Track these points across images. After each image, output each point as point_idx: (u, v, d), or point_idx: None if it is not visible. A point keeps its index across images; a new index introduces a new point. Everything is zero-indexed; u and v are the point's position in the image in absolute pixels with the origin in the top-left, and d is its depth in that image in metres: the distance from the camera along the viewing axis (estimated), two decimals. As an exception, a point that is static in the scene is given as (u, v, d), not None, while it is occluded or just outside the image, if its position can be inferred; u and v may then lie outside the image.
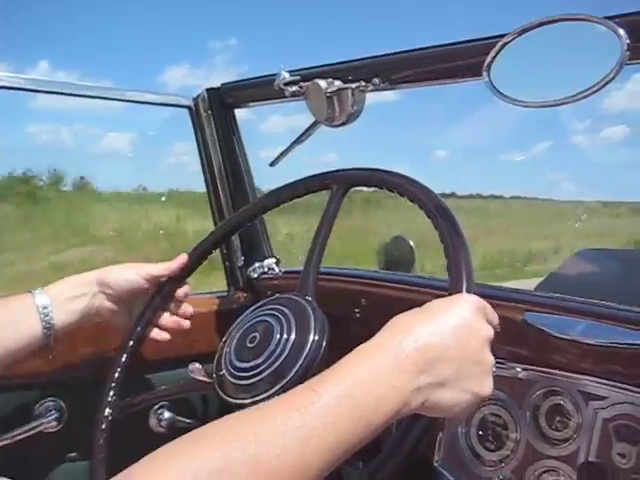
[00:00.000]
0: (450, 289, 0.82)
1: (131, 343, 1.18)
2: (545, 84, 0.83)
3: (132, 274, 1.15)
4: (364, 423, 0.62)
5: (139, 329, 1.18)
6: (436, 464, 1.17)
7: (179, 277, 1.21)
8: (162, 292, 1.20)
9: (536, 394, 1.07)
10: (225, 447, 0.55)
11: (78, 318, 1.10)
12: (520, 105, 0.82)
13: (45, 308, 1.05)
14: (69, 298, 1.09)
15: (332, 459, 0.60)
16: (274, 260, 1.64)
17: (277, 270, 1.62)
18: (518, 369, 1.09)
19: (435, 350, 0.67)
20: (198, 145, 1.69)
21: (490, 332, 0.73)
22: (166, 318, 1.20)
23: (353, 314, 1.30)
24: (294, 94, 1.29)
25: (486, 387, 0.71)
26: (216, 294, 1.61)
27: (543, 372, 1.07)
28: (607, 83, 0.73)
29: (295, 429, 0.58)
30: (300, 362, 0.90)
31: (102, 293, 1.13)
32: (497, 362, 1.08)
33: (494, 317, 0.76)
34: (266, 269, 1.62)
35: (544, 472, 1.04)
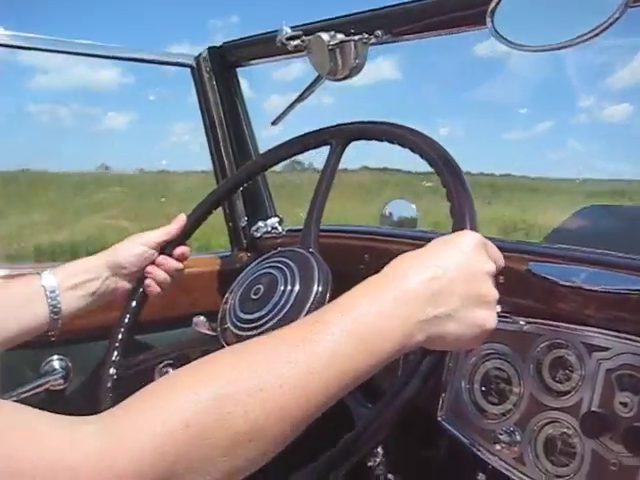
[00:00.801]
0: (454, 227, 0.82)
1: (134, 304, 1.18)
2: (549, 28, 0.82)
3: (139, 247, 1.15)
4: (369, 353, 0.61)
5: (141, 290, 1.19)
6: (440, 419, 1.18)
7: (181, 237, 1.21)
8: (164, 253, 1.19)
9: (540, 347, 1.07)
10: (229, 375, 0.56)
11: (87, 302, 1.10)
12: (524, 50, 0.81)
13: (53, 292, 1.04)
14: (78, 284, 1.08)
15: (337, 389, 0.60)
16: (277, 219, 1.64)
17: (280, 229, 1.62)
18: (522, 322, 1.09)
19: (440, 283, 0.67)
20: (200, 105, 1.68)
21: (492, 267, 0.73)
22: (165, 270, 1.19)
23: (357, 270, 1.29)
24: (296, 48, 1.27)
25: (490, 320, 0.70)
26: (219, 254, 1.61)
27: (546, 325, 1.06)
28: (612, 24, 0.71)
29: (299, 359, 0.57)
30: (304, 312, 0.90)
31: (115, 275, 1.13)
32: (501, 315, 1.10)
33: (497, 254, 0.76)
34: (269, 228, 1.61)
35: (547, 423, 1.05)
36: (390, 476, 1.37)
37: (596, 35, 0.72)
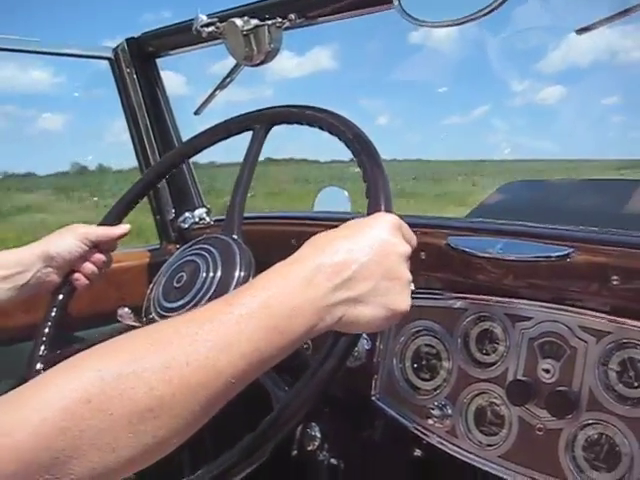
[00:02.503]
0: (369, 209, 0.82)
1: (60, 297, 1.15)
2: (452, 4, 0.83)
3: (70, 240, 1.12)
4: (279, 334, 0.61)
5: (68, 285, 1.16)
6: (374, 399, 1.19)
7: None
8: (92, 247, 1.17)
9: (466, 321, 1.09)
10: (134, 353, 0.55)
11: (16, 294, 1.07)
12: (428, 26, 0.82)
13: None
14: (8, 276, 1.05)
15: (247, 368, 0.59)
16: (205, 210, 1.62)
17: (208, 219, 1.60)
18: (448, 298, 1.11)
19: (352, 266, 0.67)
20: (120, 97, 1.65)
21: (407, 249, 0.73)
22: (93, 263, 1.16)
23: (285, 255, 1.28)
24: (211, 35, 1.26)
25: (404, 302, 0.71)
26: (148, 247, 1.59)
27: (471, 299, 1.09)
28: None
29: (207, 337, 0.57)
30: None
31: (47, 267, 1.10)
32: (427, 292, 1.12)
33: (411, 235, 0.76)
34: (197, 219, 1.60)
35: (476, 395, 1.07)
36: (333, 460, 1.38)
37: (497, 8, 0.74)
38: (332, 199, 2.02)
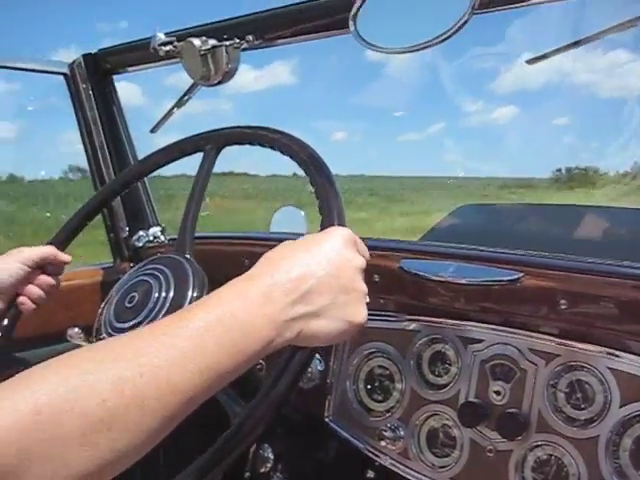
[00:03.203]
0: (322, 224, 0.84)
1: (5, 322, 1.13)
2: (407, 31, 0.85)
3: (14, 265, 1.09)
4: (236, 349, 0.61)
5: (13, 309, 1.13)
6: (327, 419, 1.19)
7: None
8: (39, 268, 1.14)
9: (419, 343, 1.10)
10: (87, 366, 0.53)
11: None
12: (383, 52, 0.83)
13: None
14: None
15: (204, 384, 0.58)
16: (159, 228, 1.61)
17: (163, 238, 1.59)
18: (401, 320, 1.12)
19: (308, 280, 0.67)
20: (76, 114, 1.63)
21: (362, 262, 0.74)
22: (39, 286, 1.14)
23: (237, 275, 1.28)
24: (168, 54, 1.26)
25: (361, 315, 0.71)
26: (101, 266, 1.56)
27: (424, 321, 1.10)
28: (461, 27, 0.74)
29: (162, 350, 0.56)
30: None
31: None
32: (380, 314, 1.13)
33: (365, 249, 0.77)
34: (151, 238, 1.59)
35: (429, 417, 1.08)
36: None
37: (452, 35, 0.75)
38: (288, 219, 2.02)
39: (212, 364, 0.59)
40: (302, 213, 2.04)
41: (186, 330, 0.59)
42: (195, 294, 0.92)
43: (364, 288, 0.73)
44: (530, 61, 0.89)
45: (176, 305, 0.91)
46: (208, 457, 0.77)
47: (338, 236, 0.74)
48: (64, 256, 1.14)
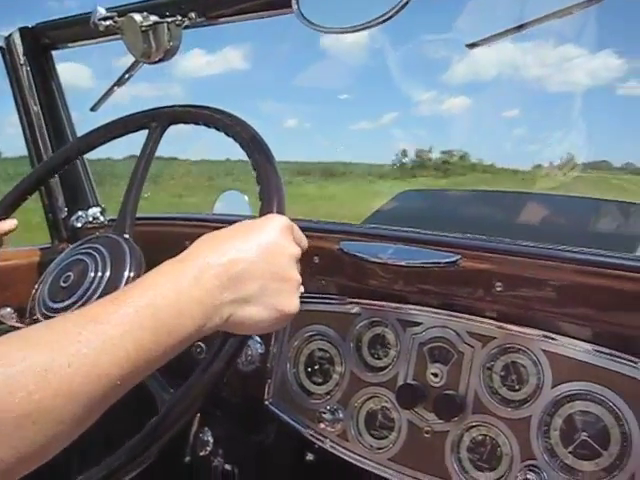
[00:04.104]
0: (261, 210, 0.83)
1: None
2: (349, 11, 0.84)
3: None
4: (165, 334, 0.60)
5: None
6: (267, 403, 1.18)
7: None
8: None
9: (359, 326, 1.10)
10: (13, 356, 0.51)
11: None
12: (325, 31, 0.82)
13: None
14: None
15: (132, 369, 0.57)
16: (99, 209, 1.57)
17: (103, 219, 1.56)
18: (342, 303, 1.12)
19: (240, 266, 0.67)
20: (13, 89, 1.57)
21: (297, 251, 0.74)
22: None
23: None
24: (109, 29, 1.22)
25: (292, 304, 0.71)
26: (39, 246, 1.52)
27: (364, 304, 1.10)
28: (402, 8, 0.74)
29: (89, 338, 0.55)
30: None
31: None
32: (320, 297, 1.13)
33: (302, 237, 0.77)
34: (91, 218, 1.55)
35: (368, 399, 1.08)
36: (227, 466, 1.37)
37: (389, 18, 0.75)
38: (232, 203, 2.00)
39: (141, 350, 0.58)
40: (245, 197, 2.03)
41: (116, 316, 0.57)
42: (132, 274, 0.91)
43: (298, 277, 0.73)
44: (470, 45, 0.90)
45: (112, 285, 0.90)
46: (136, 441, 0.77)
47: (275, 223, 0.74)
48: (7, 224, 1.11)
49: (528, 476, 0.91)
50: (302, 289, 0.73)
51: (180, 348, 0.62)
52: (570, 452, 0.90)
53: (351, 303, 1.11)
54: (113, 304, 0.59)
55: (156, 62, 1.21)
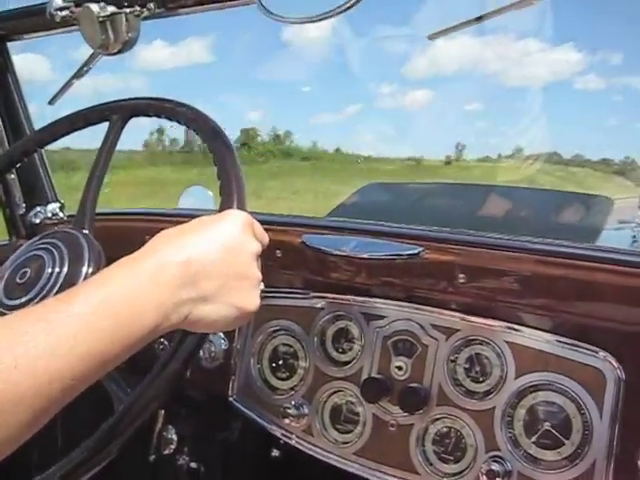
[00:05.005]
0: (221, 206, 0.81)
1: None
2: (311, 2, 0.83)
3: None
4: (121, 333, 0.58)
5: None
6: (231, 399, 1.17)
7: None
8: None
9: (323, 320, 1.10)
10: None
11: None
12: (285, 22, 0.82)
13: None
14: None
15: (85, 370, 0.55)
16: (58, 205, 1.54)
17: (62, 215, 1.52)
18: (305, 297, 1.11)
19: (199, 264, 0.65)
20: (-34, 82, 1.53)
21: (258, 247, 0.72)
22: None
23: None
24: (65, 20, 1.19)
25: (252, 302, 0.70)
26: None
27: (328, 298, 1.10)
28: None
29: (39, 338, 0.53)
30: None
31: None
32: (284, 291, 1.12)
33: (262, 234, 0.75)
34: (49, 214, 1.52)
35: (332, 393, 1.08)
36: (192, 464, 1.35)
37: (348, 8, 0.75)
38: (196, 198, 1.98)
39: (94, 350, 0.56)
40: (210, 193, 2.01)
41: (67, 316, 0.55)
42: (90, 270, 0.88)
43: (258, 274, 0.72)
44: (432, 36, 0.89)
45: (70, 281, 0.87)
46: (93, 441, 0.75)
47: (235, 219, 0.72)
48: None
49: (492, 467, 0.91)
50: (262, 286, 0.72)
51: (136, 348, 0.60)
52: (533, 442, 0.91)
53: (315, 297, 1.11)
54: (66, 302, 0.57)
55: (115, 53, 1.18)
